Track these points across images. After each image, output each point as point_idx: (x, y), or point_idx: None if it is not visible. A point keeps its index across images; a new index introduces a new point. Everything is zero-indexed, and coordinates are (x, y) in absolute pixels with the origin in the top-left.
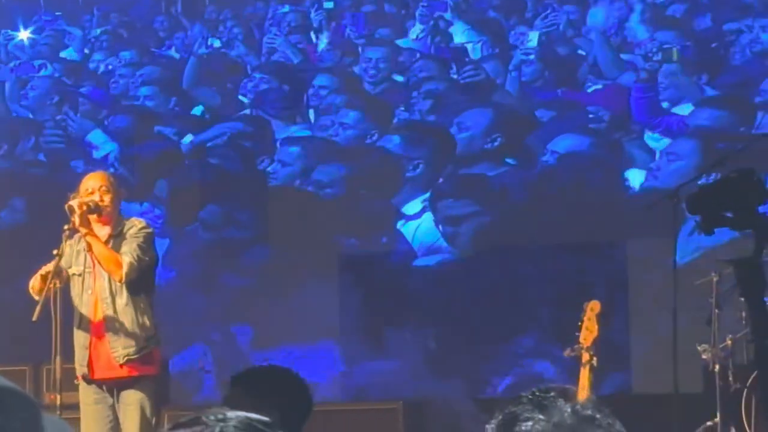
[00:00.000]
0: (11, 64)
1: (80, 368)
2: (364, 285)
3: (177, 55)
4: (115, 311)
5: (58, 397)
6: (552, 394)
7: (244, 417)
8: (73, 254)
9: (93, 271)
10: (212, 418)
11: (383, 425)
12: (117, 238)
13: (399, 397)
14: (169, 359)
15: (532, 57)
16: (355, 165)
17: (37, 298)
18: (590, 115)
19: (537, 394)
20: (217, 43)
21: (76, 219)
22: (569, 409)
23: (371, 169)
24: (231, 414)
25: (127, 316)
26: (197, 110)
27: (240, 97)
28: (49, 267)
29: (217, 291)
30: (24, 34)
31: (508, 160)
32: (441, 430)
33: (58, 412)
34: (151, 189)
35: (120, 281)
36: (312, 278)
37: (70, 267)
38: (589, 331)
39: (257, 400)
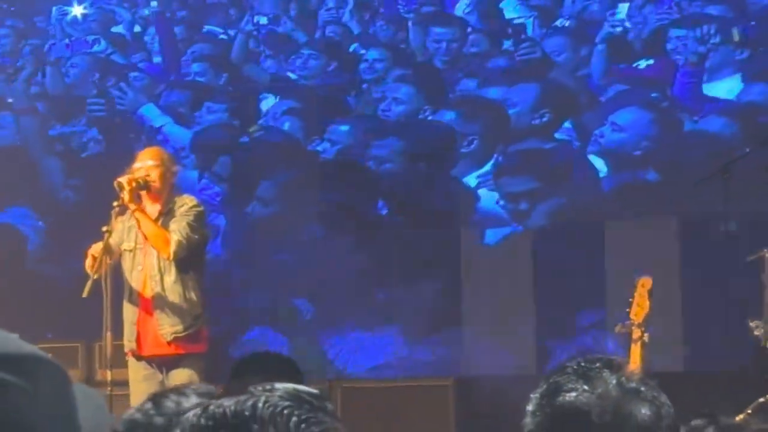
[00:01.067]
0: (66, 41)
1: (129, 344)
2: (423, 260)
3: (225, 32)
4: (163, 288)
5: (109, 373)
6: (597, 364)
7: (291, 388)
8: (124, 230)
9: (144, 247)
10: (260, 389)
11: (434, 402)
12: (167, 215)
13: (453, 373)
14: (228, 338)
15: (619, 29)
16: (412, 140)
17: (93, 276)
18: (653, 93)
19: (582, 364)
20: (263, 20)
21: (126, 195)
22: (614, 381)
23: (428, 144)
24: (279, 385)
25: (175, 294)
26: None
27: (289, 73)
28: (99, 244)
29: (272, 268)
30: (77, 10)
31: (559, 136)
32: (493, 407)
33: (109, 389)
34: (211, 165)
35: (168, 259)
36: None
37: (122, 243)
38: (640, 307)
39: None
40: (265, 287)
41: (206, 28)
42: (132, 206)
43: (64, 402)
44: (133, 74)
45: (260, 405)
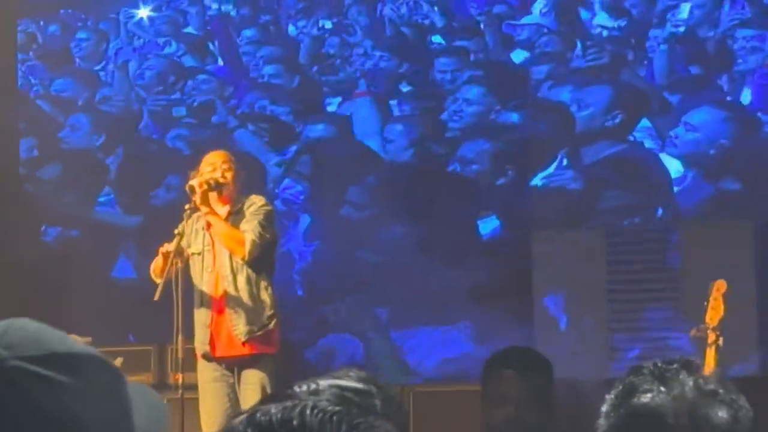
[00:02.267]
0: (136, 43)
1: (201, 346)
2: (497, 262)
3: (294, 35)
4: (236, 289)
5: (181, 376)
6: (675, 366)
7: (337, 389)
8: (192, 234)
9: (212, 249)
10: (304, 388)
11: None
12: (236, 215)
13: None
14: (309, 343)
15: (682, 29)
16: (495, 141)
17: (158, 280)
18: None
19: (659, 365)
20: (328, 24)
21: (197, 198)
22: (691, 383)
23: (506, 146)
24: (323, 384)
25: (247, 294)
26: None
27: (359, 76)
28: (170, 246)
29: (354, 269)
30: (144, 12)
31: (632, 137)
32: (567, 410)
33: (180, 392)
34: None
35: (243, 259)
36: (449, 257)
37: (189, 246)
38: (715, 311)
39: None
40: (343, 290)
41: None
42: (204, 209)
43: (118, 401)
44: (201, 77)
45: (308, 412)
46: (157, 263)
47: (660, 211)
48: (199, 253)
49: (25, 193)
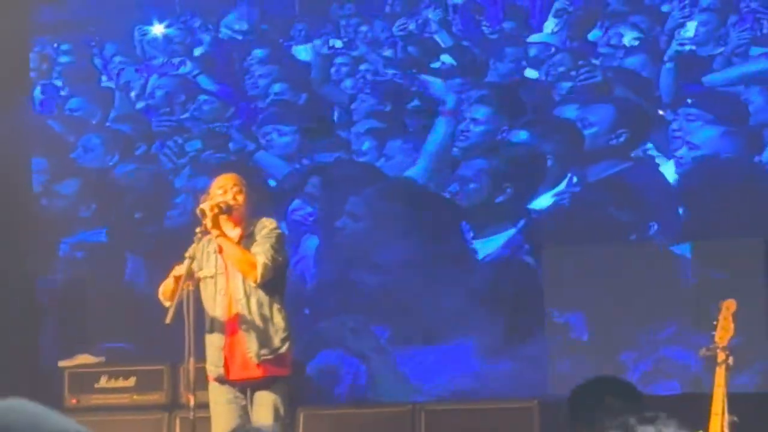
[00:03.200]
0: (155, 62)
1: (215, 369)
2: (498, 280)
3: (303, 53)
4: (249, 312)
5: (192, 398)
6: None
7: None
8: (203, 257)
9: (225, 272)
10: None
11: (518, 424)
12: (248, 239)
13: (536, 394)
14: (308, 358)
15: (688, 47)
16: (495, 160)
17: (167, 304)
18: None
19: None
20: (338, 44)
21: (208, 222)
22: None
23: (509, 165)
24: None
25: (260, 317)
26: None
27: (365, 94)
28: (182, 270)
29: (352, 290)
30: (158, 29)
31: (635, 155)
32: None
33: (192, 412)
34: (302, 187)
35: (255, 282)
36: (448, 275)
37: (200, 270)
38: (725, 330)
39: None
40: (344, 309)
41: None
42: (215, 232)
43: None
44: (202, 97)
45: None
46: (167, 286)
47: (667, 229)
48: (211, 277)
49: (40, 210)
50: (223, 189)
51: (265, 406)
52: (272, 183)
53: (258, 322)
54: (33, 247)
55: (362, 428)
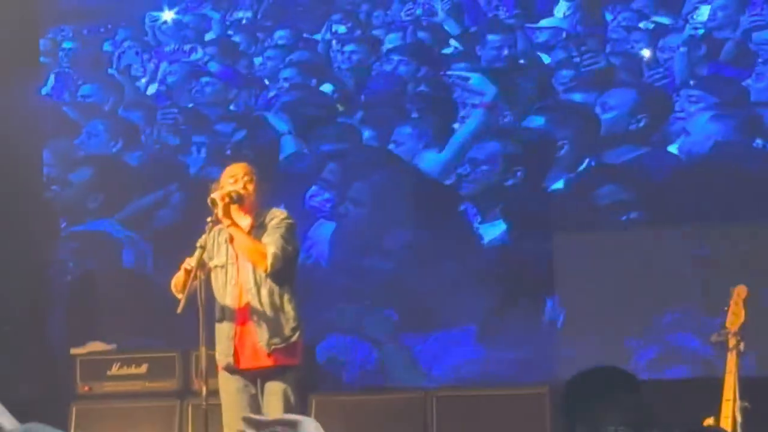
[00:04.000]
0: (167, 48)
1: (224, 358)
2: (503, 266)
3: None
4: (260, 301)
5: (204, 386)
6: None
7: None
8: (214, 246)
9: (236, 262)
10: None
11: (530, 410)
12: (259, 228)
13: (546, 380)
14: (316, 345)
15: (701, 31)
16: (508, 145)
17: (179, 296)
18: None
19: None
20: (342, 29)
21: (219, 211)
22: None
23: (524, 150)
24: None
25: (271, 306)
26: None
27: (375, 79)
28: (192, 262)
29: (361, 275)
30: (168, 15)
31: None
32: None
33: (204, 403)
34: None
35: (265, 272)
36: (453, 262)
37: (211, 259)
38: (735, 316)
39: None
40: (353, 294)
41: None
42: (226, 221)
43: None
44: (204, 79)
45: None
46: (178, 278)
47: (677, 213)
48: (222, 266)
49: (49, 198)
50: (234, 178)
51: (275, 395)
52: (287, 169)
53: (268, 311)
54: (43, 236)
55: (374, 415)
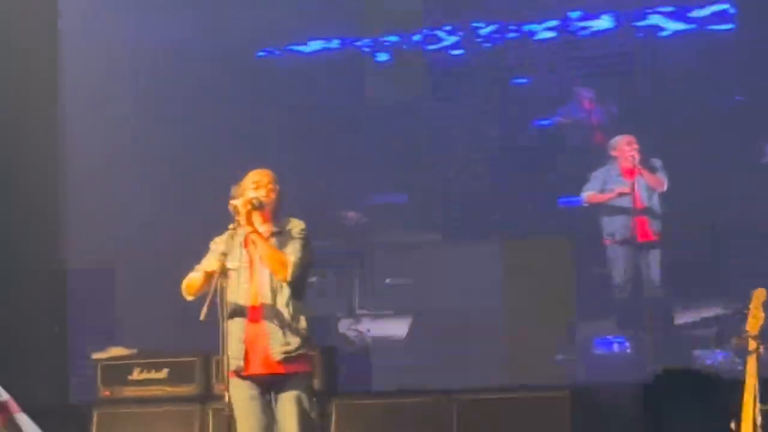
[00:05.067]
0: None
1: (235, 361)
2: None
3: None
4: (274, 307)
5: (227, 394)
6: None
7: None
8: (229, 249)
9: (249, 266)
10: None
11: (551, 414)
12: (279, 236)
13: (567, 384)
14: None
15: None
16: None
17: (189, 298)
18: None
19: None
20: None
21: (242, 218)
22: None
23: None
24: None
25: (285, 315)
26: None
27: None
28: (215, 266)
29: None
30: None
31: None
32: (614, 420)
33: (227, 410)
34: None
35: (284, 280)
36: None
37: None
38: (756, 319)
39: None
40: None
41: None
42: (248, 228)
43: None
44: None
45: None
46: (193, 280)
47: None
48: (235, 269)
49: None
50: (257, 184)
51: (289, 401)
52: None
53: (282, 319)
54: (64, 236)
55: (396, 418)
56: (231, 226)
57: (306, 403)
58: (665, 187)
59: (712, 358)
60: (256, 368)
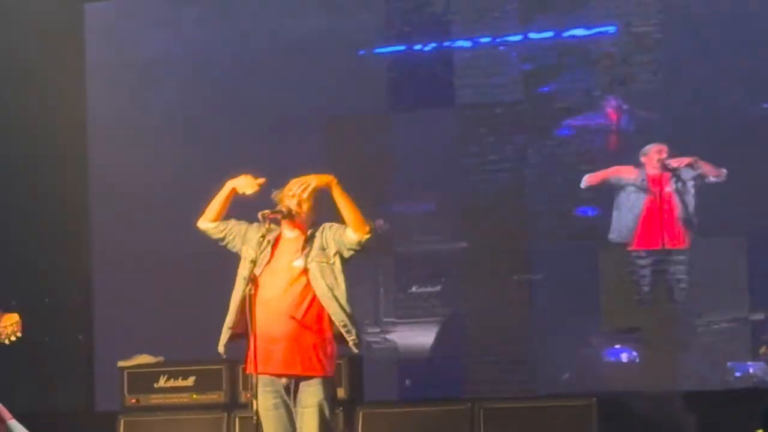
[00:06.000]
0: None
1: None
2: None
3: None
4: (333, 296)
5: (255, 402)
6: None
7: None
8: (252, 239)
9: (268, 263)
10: None
11: (577, 422)
12: (309, 242)
13: (594, 392)
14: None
15: None
16: None
17: (206, 225)
18: None
19: None
20: None
21: (264, 230)
22: None
23: None
24: None
25: (342, 314)
26: None
27: None
28: (245, 273)
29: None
30: None
31: None
32: (641, 428)
33: (254, 418)
34: None
35: (367, 234)
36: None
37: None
38: None
39: None
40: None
41: None
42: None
43: None
44: None
45: None
46: (216, 200)
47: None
48: (252, 261)
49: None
50: (294, 193)
51: (310, 407)
52: None
53: (346, 312)
54: (90, 243)
55: (421, 426)
56: (260, 236)
57: (327, 413)
58: (724, 176)
59: (742, 370)
60: (278, 368)
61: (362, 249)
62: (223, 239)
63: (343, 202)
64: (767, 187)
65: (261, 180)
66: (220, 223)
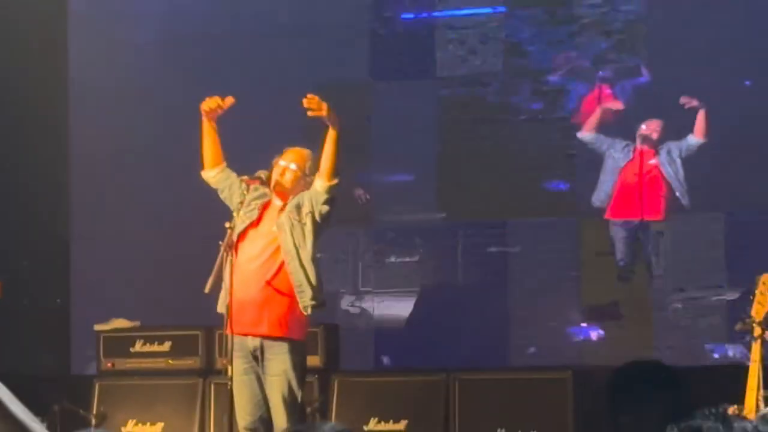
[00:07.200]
0: None
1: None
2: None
3: None
4: (300, 263)
5: (230, 368)
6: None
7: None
8: (239, 200)
9: (255, 225)
10: None
11: (552, 394)
12: (292, 209)
13: (570, 365)
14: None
15: None
16: None
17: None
18: None
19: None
20: None
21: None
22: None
23: None
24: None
25: (311, 269)
26: None
27: None
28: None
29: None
30: None
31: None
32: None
33: (229, 384)
34: None
35: (329, 182)
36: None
37: (238, 209)
38: (761, 305)
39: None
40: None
41: None
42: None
43: None
44: None
45: None
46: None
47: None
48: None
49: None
50: (286, 164)
51: (277, 375)
52: None
53: (306, 273)
54: (68, 208)
55: (396, 396)
56: (253, 186)
57: (294, 383)
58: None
59: (720, 352)
60: (246, 328)
61: (330, 201)
62: (221, 191)
63: (330, 148)
64: (747, 163)
65: (228, 99)
66: (220, 172)
